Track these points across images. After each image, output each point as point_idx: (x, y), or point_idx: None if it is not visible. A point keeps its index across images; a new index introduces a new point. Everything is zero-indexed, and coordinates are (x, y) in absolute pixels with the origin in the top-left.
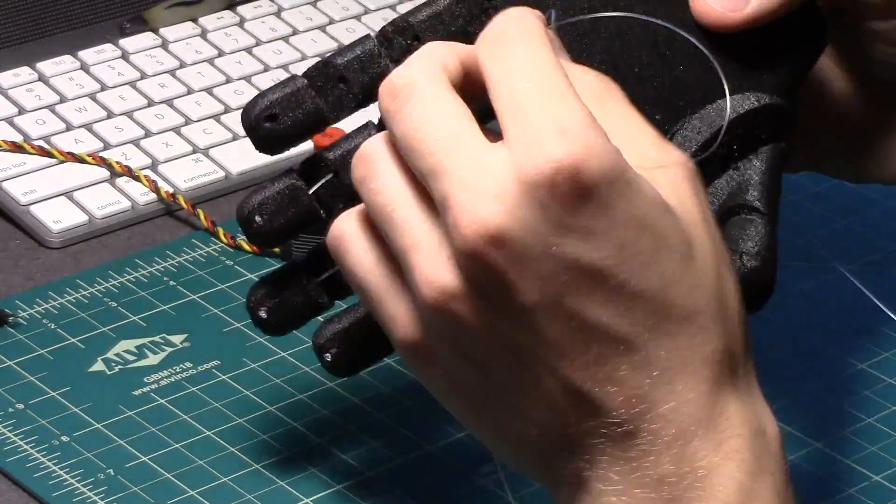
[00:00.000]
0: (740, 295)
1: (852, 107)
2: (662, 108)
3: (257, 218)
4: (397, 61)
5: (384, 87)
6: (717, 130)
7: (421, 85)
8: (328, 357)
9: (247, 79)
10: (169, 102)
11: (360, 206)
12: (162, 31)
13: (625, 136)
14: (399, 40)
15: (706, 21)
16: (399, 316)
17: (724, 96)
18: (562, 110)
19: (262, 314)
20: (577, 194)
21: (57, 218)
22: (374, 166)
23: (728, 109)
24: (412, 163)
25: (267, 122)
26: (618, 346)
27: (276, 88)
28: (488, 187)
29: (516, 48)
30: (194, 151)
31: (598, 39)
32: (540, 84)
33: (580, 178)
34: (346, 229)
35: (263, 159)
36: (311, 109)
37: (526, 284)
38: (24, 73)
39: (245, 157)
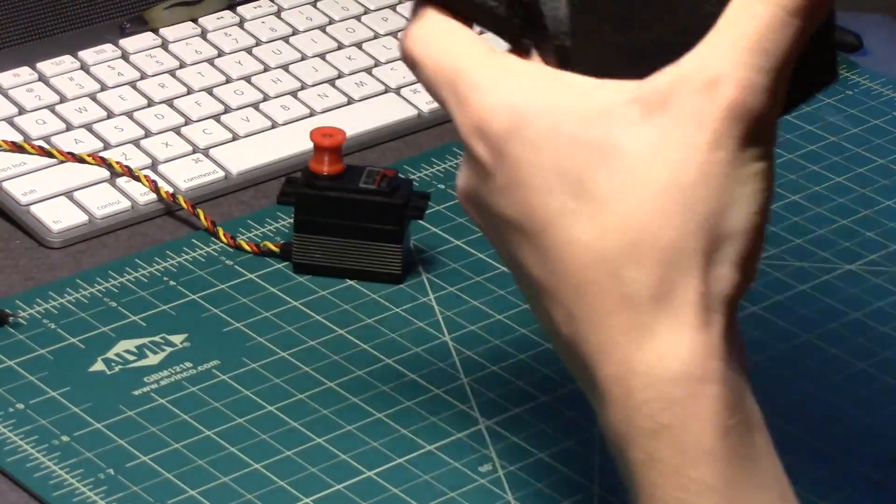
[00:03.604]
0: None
1: None
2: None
3: None
4: None
5: None
6: None
7: None
8: None
9: (247, 79)
10: (169, 102)
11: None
12: (162, 31)
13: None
14: None
15: None
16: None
17: None
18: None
19: None
20: (488, 154)
21: (57, 218)
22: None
23: None
24: None
25: None
26: (549, 297)
27: None
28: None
29: None
30: (194, 151)
31: None
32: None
33: (486, 137)
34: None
35: (263, 159)
36: None
37: (491, 238)
38: (24, 73)
39: (245, 157)
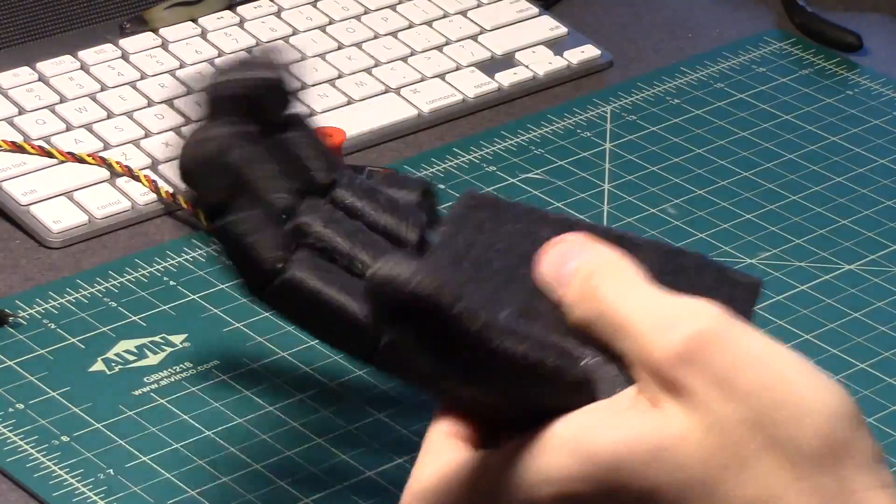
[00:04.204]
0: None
1: None
2: None
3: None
4: None
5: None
6: None
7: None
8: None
9: None
10: (169, 103)
11: None
12: (162, 31)
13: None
14: None
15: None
16: None
17: None
18: None
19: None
20: None
21: (57, 218)
22: None
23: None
24: None
25: None
26: None
27: None
28: None
29: None
30: None
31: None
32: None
33: None
34: None
35: None
36: None
37: None
38: (24, 73)
39: None
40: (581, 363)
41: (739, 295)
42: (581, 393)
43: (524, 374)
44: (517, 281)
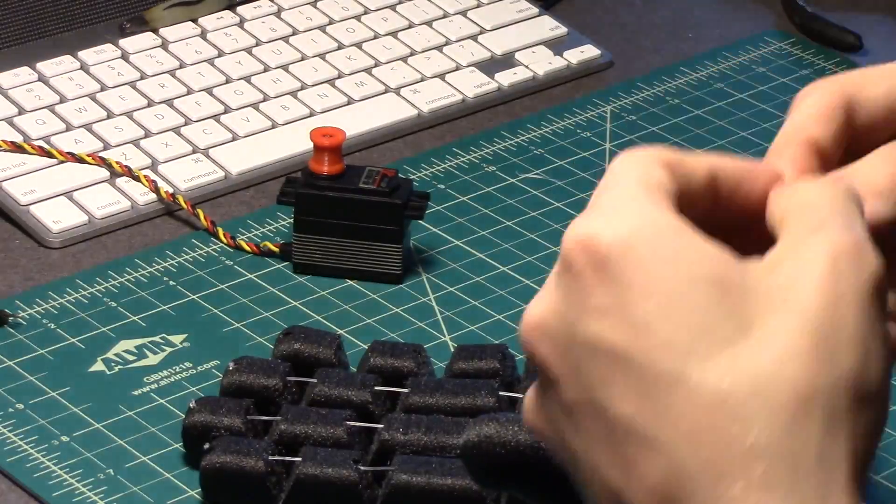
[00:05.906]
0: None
1: None
2: None
3: None
4: None
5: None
6: None
7: None
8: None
9: (247, 79)
10: (169, 102)
11: None
12: (162, 31)
13: None
14: None
15: None
16: None
17: None
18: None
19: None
20: (591, 269)
21: (57, 218)
22: None
23: None
24: None
25: None
26: (644, 443)
27: None
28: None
29: None
30: (194, 151)
31: None
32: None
33: (591, 250)
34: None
35: (263, 159)
36: None
37: (566, 378)
38: (24, 73)
39: (245, 157)
40: None
41: None
42: None
43: None
44: None
